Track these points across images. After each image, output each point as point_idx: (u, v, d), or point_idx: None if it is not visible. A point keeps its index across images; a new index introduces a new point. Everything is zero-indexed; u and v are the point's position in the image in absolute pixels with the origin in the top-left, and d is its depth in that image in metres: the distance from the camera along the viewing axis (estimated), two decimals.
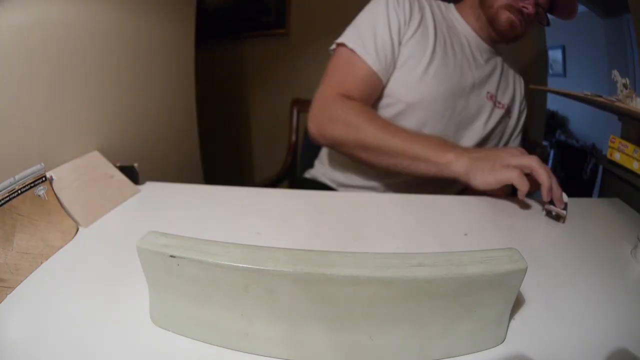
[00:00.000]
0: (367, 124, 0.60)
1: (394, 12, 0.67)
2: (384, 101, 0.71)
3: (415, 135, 0.60)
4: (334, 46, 0.69)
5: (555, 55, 1.80)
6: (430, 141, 0.58)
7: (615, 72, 0.59)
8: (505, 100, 0.78)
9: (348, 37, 0.66)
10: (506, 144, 0.83)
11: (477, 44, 0.75)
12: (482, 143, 0.77)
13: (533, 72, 1.43)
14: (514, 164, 0.50)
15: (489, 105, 0.75)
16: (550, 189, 0.48)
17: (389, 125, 0.61)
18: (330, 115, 0.63)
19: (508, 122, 0.80)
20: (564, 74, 1.82)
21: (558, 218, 0.49)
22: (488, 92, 0.75)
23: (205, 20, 1.18)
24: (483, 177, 0.51)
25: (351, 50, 0.64)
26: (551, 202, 0.49)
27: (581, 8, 1.54)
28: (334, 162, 0.80)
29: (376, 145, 0.59)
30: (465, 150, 0.57)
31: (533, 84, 1.35)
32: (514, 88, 0.81)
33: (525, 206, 0.54)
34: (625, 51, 1.25)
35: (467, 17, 0.74)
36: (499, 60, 0.78)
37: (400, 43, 0.67)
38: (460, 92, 0.71)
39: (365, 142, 0.60)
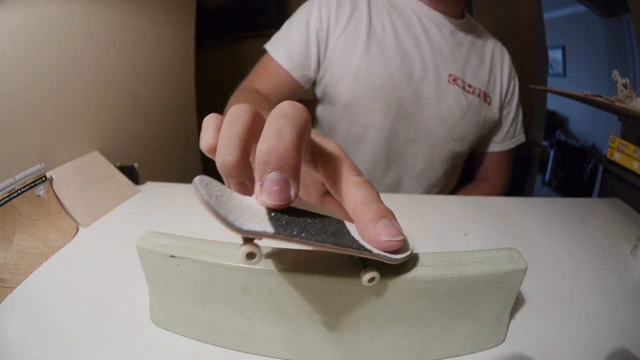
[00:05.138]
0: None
1: (317, 12, 0.65)
2: (324, 107, 0.70)
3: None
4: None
5: (555, 55, 1.80)
6: None
7: (615, 72, 0.59)
8: (477, 83, 0.66)
9: (271, 40, 0.68)
10: (489, 138, 0.71)
11: (431, 17, 0.65)
12: (452, 139, 0.66)
13: (533, 72, 1.43)
14: None
15: (452, 90, 0.64)
16: None
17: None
18: (229, 103, 0.65)
19: (486, 110, 0.67)
20: (564, 74, 1.82)
21: None
22: (450, 75, 0.64)
23: (205, 20, 1.18)
24: None
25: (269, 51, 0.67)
26: None
27: (581, 8, 1.55)
28: None
29: None
30: None
31: (533, 84, 1.35)
32: (491, 67, 0.68)
33: (525, 206, 0.54)
34: (625, 51, 1.25)
35: None
36: (468, 35, 0.67)
37: (324, 42, 0.65)
38: (406, 81, 0.63)
39: None
